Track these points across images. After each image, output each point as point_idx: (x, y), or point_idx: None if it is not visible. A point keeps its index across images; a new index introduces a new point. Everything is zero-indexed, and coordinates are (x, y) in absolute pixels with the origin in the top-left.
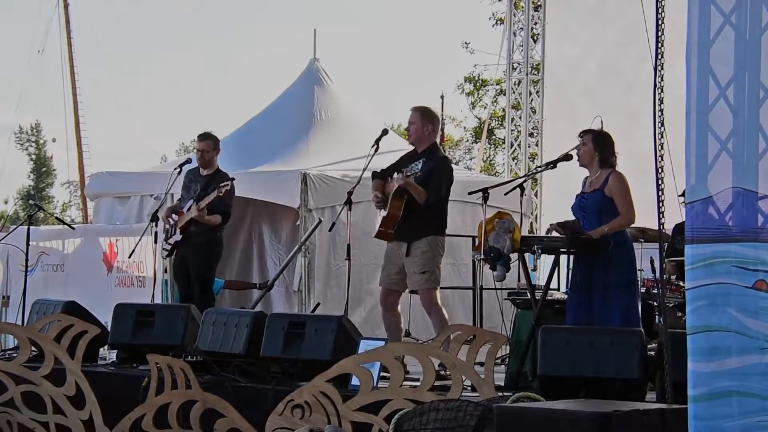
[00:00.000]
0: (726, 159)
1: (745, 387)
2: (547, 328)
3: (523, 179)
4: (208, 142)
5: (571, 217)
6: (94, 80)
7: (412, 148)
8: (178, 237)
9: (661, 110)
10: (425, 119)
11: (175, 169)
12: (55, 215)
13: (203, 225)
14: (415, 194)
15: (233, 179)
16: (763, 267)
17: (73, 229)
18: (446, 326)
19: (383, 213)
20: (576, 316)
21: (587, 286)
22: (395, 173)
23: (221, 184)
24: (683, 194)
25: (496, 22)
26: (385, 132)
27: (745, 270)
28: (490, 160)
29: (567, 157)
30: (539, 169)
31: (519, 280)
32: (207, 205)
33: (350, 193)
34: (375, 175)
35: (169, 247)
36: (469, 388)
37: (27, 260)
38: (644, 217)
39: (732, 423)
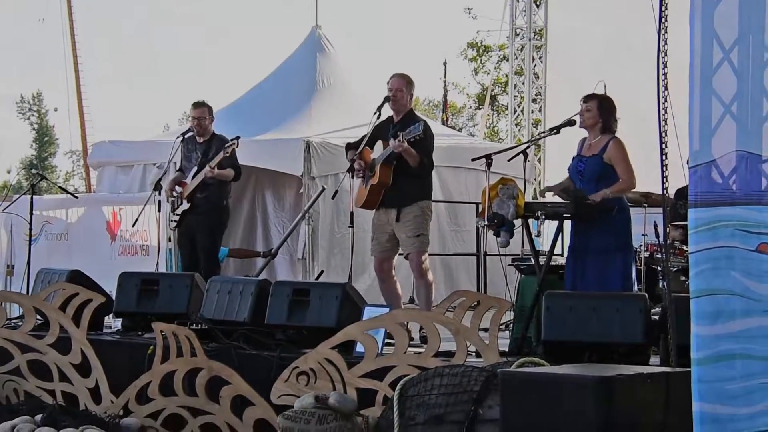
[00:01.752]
0: (730, 122)
1: (749, 349)
2: (551, 293)
3: (526, 145)
4: (203, 109)
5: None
6: (96, 49)
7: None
8: (185, 206)
9: (665, 74)
10: (409, 86)
11: (177, 137)
12: (59, 184)
13: (211, 192)
14: (410, 159)
15: (238, 137)
16: (767, 230)
17: (77, 198)
18: (432, 289)
19: (372, 181)
20: (573, 281)
21: (584, 251)
22: (381, 140)
23: (227, 145)
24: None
25: None
26: (387, 99)
27: (749, 233)
28: (493, 127)
29: (570, 123)
30: (542, 135)
31: (523, 246)
32: (217, 164)
33: (353, 161)
34: (349, 146)
35: (177, 218)
36: (474, 353)
37: (30, 229)
38: (648, 182)
39: (735, 385)
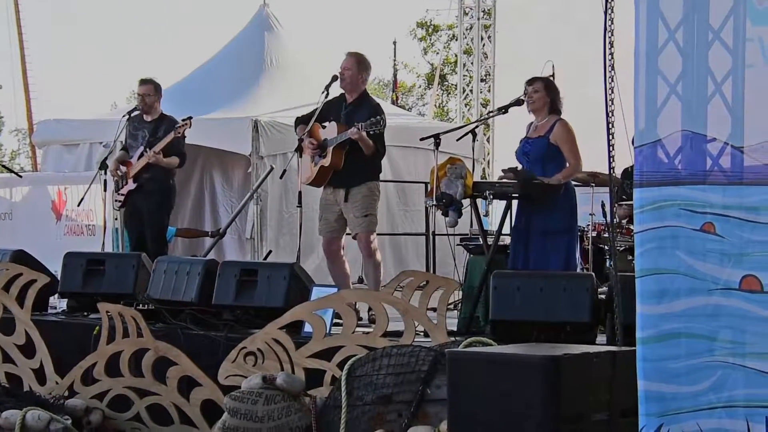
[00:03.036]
0: (675, 102)
1: (693, 328)
2: (499, 273)
3: (475, 125)
4: (149, 86)
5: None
6: (42, 26)
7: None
8: (131, 186)
9: (612, 54)
10: (361, 67)
11: (123, 116)
12: (3, 163)
13: (157, 171)
14: (365, 148)
15: (190, 117)
16: (711, 209)
17: (21, 177)
18: (380, 270)
19: (323, 162)
20: (516, 260)
21: (528, 231)
22: (331, 120)
23: (178, 124)
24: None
25: None
26: (335, 78)
27: (694, 213)
28: (443, 106)
29: (518, 102)
30: (491, 115)
31: (471, 226)
32: (164, 147)
33: (301, 140)
34: (299, 120)
35: (122, 198)
36: (422, 333)
37: None
38: (595, 162)
39: (679, 364)
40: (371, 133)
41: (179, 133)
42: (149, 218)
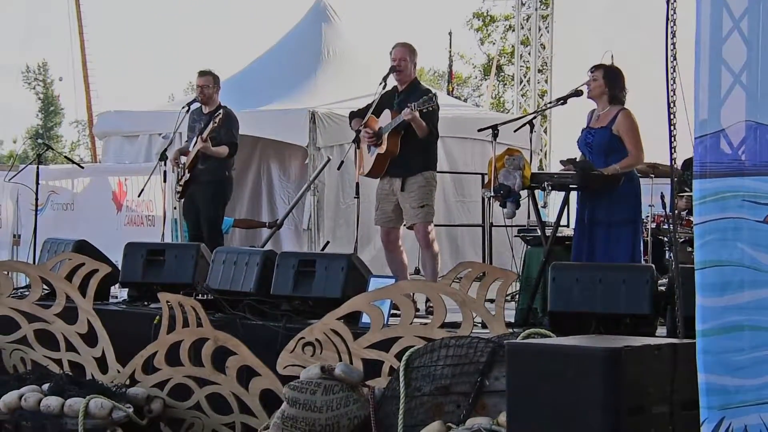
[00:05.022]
0: (739, 92)
1: (757, 321)
2: (557, 264)
3: (532, 116)
4: (207, 77)
5: (579, 153)
6: (101, 18)
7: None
8: (187, 176)
9: (674, 44)
10: (413, 56)
11: (183, 107)
12: (64, 154)
13: (211, 163)
14: (419, 130)
15: (225, 107)
16: None
17: (83, 168)
18: (437, 260)
19: (379, 150)
20: (580, 252)
21: (592, 222)
22: (387, 109)
23: (215, 115)
24: None
25: None
26: (392, 69)
27: (757, 204)
28: (499, 97)
29: (577, 93)
30: (549, 106)
31: (529, 217)
32: (209, 135)
33: (358, 131)
34: (353, 114)
35: (181, 189)
36: (480, 324)
37: (37, 199)
38: (656, 153)
39: (743, 356)
40: (424, 111)
41: (215, 123)
42: (204, 209)
